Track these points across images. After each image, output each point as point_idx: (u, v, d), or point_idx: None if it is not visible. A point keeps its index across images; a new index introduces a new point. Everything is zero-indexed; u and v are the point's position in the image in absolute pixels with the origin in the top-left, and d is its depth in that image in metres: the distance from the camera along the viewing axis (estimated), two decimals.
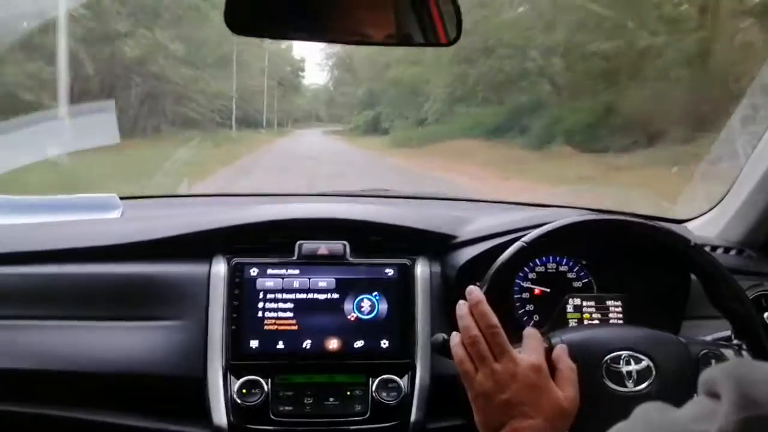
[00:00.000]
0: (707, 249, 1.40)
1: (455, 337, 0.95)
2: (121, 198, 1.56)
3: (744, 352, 1.04)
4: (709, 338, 1.12)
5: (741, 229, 1.45)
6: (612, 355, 1.01)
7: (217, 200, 1.78)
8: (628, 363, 1.01)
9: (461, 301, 0.97)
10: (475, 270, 1.19)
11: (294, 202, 1.62)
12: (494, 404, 0.88)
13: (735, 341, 1.07)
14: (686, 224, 1.62)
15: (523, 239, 1.11)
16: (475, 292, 0.97)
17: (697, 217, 1.61)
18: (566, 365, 0.94)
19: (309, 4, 0.92)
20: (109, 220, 1.47)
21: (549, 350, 0.98)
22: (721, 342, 1.07)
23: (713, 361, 1.02)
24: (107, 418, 1.21)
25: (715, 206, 1.55)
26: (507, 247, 1.11)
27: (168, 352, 1.20)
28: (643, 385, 0.99)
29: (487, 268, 1.09)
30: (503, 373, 0.89)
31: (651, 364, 1.01)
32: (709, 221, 1.56)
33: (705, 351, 1.03)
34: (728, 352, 1.03)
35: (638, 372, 1.00)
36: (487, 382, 0.89)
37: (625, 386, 0.99)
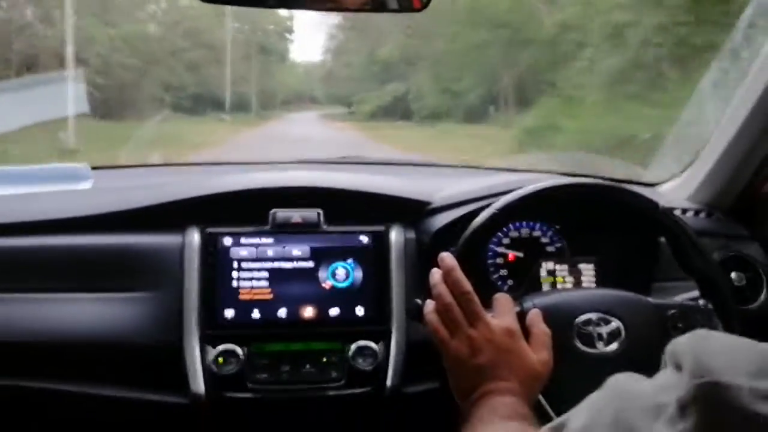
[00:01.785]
0: (677, 212, 1.43)
1: (429, 305, 0.95)
2: (93, 168, 1.53)
3: (711, 311, 1.07)
4: (678, 299, 1.15)
5: (710, 192, 1.47)
6: (583, 317, 1.03)
7: (190, 169, 1.76)
8: (598, 325, 1.03)
9: (434, 269, 0.98)
10: (449, 236, 1.19)
11: (268, 170, 1.61)
12: (469, 368, 0.89)
13: (702, 301, 1.09)
14: (657, 188, 1.64)
15: (495, 205, 1.12)
16: (447, 259, 0.97)
17: (668, 180, 1.63)
18: (540, 329, 0.96)
19: None
20: (80, 190, 1.45)
21: (521, 314, 1.00)
22: (688, 302, 1.10)
23: (681, 320, 1.05)
24: (85, 389, 1.21)
25: (685, 170, 1.57)
26: (479, 213, 1.12)
27: (144, 322, 1.20)
28: (613, 346, 1.01)
29: (461, 234, 1.10)
30: (477, 339, 0.90)
31: (620, 326, 1.03)
32: (680, 185, 1.57)
33: (673, 311, 1.05)
34: (695, 311, 1.06)
35: (608, 333, 1.02)
36: (462, 347, 0.90)
37: (596, 347, 1.01)
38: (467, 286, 0.93)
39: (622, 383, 0.48)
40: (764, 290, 1.36)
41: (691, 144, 1.57)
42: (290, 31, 22.64)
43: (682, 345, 0.43)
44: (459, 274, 0.95)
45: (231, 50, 18.68)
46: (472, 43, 12.76)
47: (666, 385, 0.41)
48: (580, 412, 0.51)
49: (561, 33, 10.69)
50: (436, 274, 0.96)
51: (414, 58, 16.51)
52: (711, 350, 0.39)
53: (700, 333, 0.44)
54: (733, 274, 1.37)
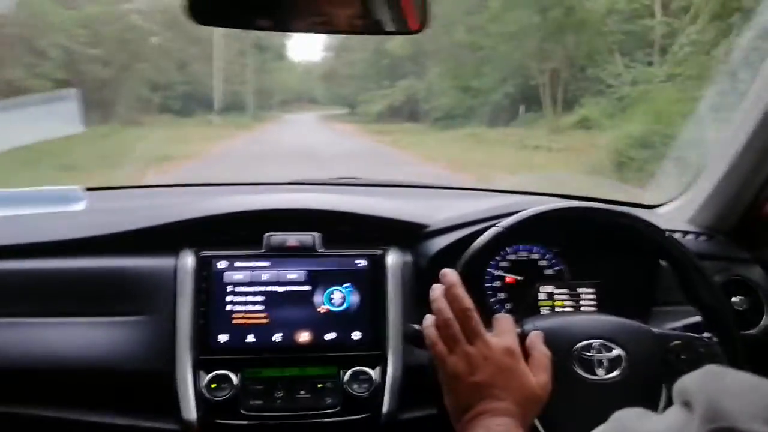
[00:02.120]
0: (678, 234, 1.42)
1: (428, 320, 0.94)
2: (88, 189, 1.52)
3: (714, 343, 1.05)
4: (679, 325, 1.13)
5: (711, 215, 1.46)
6: (583, 343, 1.02)
7: (184, 190, 1.74)
8: (599, 351, 1.01)
9: (435, 284, 0.96)
10: (446, 259, 1.17)
11: (264, 191, 1.60)
12: (465, 386, 0.87)
13: (705, 333, 1.07)
14: (656, 210, 1.63)
15: (501, 224, 1.11)
16: (449, 275, 0.96)
17: (667, 202, 1.62)
18: (540, 351, 0.94)
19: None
20: (74, 212, 1.43)
21: (521, 336, 0.98)
22: (691, 333, 1.08)
23: (683, 351, 1.03)
24: (75, 415, 1.18)
25: (685, 192, 1.56)
26: (477, 236, 1.11)
27: (136, 347, 1.18)
28: (614, 374, 0.99)
29: (460, 257, 1.09)
30: (476, 356, 0.88)
31: (622, 353, 1.01)
32: (680, 207, 1.56)
33: (676, 342, 1.04)
34: (698, 343, 1.04)
35: (609, 360, 1.00)
36: (460, 363, 0.88)
37: (596, 374, 0.99)
38: (468, 302, 0.92)
39: (628, 421, 0.46)
40: (766, 314, 1.34)
41: (690, 166, 1.56)
42: None
43: (693, 383, 0.41)
44: (460, 290, 0.93)
45: (222, 45, 17.33)
46: (506, 32, 11.13)
47: (676, 427, 0.39)
48: None
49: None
50: (437, 290, 0.95)
51: (430, 52, 15.03)
52: (724, 391, 0.37)
53: (712, 370, 0.42)
54: (734, 298, 1.35)
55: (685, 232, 1.44)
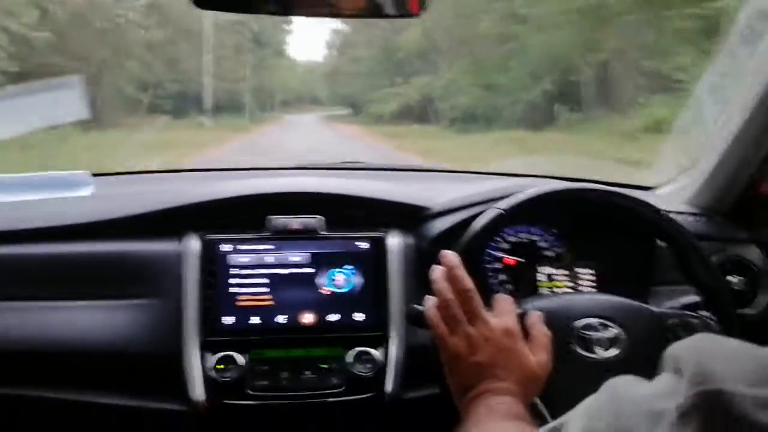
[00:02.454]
0: (676, 215, 1.43)
1: (429, 301, 0.95)
2: (93, 175, 1.54)
3: (711, 322, 1.07)
4: (677, 304, 1.15)
5: (709, 195, 1.47)
6: (583, 321, 1.03)
7: (189, 175, 1.76)
8: (597, 330, 1.03)
9: (435, 266, 0.98)
10: (447, 241, 1.19)
11: (267, 176, 1.61)
12: (466, 366, 0.89)
13: (703, 311, 1.09)
14: (655, 191, 1.65)
15: (500, 205, 1.12)
16: (449, 256, 0.97)
17: (666, 184, 1.63)
18: (540, 331, 0.96)
19: None
20: (80, 198, 1.45)
21: (521, 316, 1.00)
22: (689, 312, 1.09)
23: (682, 330, 1.05)
24: (85, 397, 1.21)
25: (683, 173, 1.57)
26: (477, 217, 1.12)
27: (143, 330, 1.20)
28: (612, 352, 1.01)
29: (459, 239, 1.10)
30: (476, 336, 0.90)
31: (621, 332, 1.03)
32: (678, 188, 1.58)
33: (674, 320, 1.05)
34: (696, 321, 1.06)
35: (608, 339, 1.02)
36: (460, 344, 0.90)
37: (595, 353, 1.01)
38: (469, 283, 0.93)
39: (621, 386, 0.48)
40: (761, 293, 1.36)
41: (688, 147, 1.57)
42: (288, 21, 19.03)
43: (683, 349, 0.43)
44: (461, 271, 0.94)
45: (215, 38, 15.61)
46: (546, 18, 9.35)
47: (666, 391, 0.41)
48: (577, 415, 0.51)
49: None
50: (437, 271, 0.96)
51: (449, 46, 13.62)
52: (712, 356, 0.39)
53: (702, 337, 0.44)
54: (732, 278, 1.37)
55: (683, 213, 1.46)
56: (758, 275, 1.38)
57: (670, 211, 1.40)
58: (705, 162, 1.46)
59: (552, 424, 0.54)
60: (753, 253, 1.41)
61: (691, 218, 1.46)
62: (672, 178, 1.63)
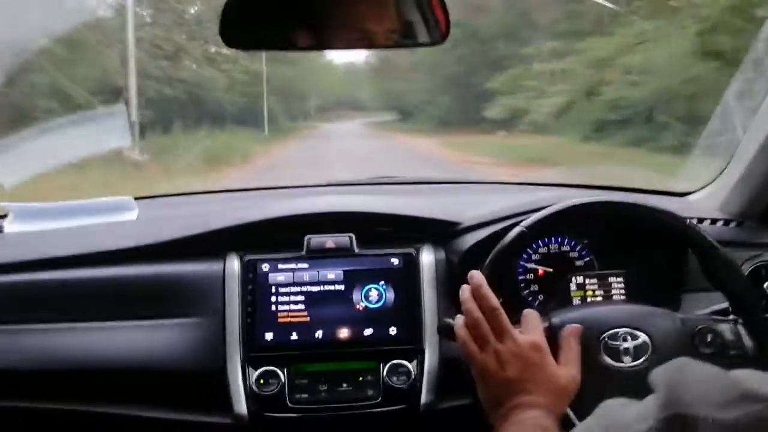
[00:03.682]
0: (707, 222, 1.44)
1: (459, 320, 0.99)
2: (135, 198, 1.62)
3: (740, 327, 1.08)
4: (707, 311, 1.16)
5: (740, 201, 1.47)
6: (610, 332, 1.05)
7: (226, 196, 1.83)
8: (625, 339, 1.04)
9: (464, 285, 1.01)
10: (478, 255, 1.22)
11: (302, 195, 1.67)
12: (497, 382, 0.92)
13: (731, 316, 1.10)
14: (688, 197, 1.65)
15: (523, 224, 1.15)
16: (476, 276, 1.01)
17: (699, 190, 1.64)
18: (569, 347, 0.99)
19: (306, 14, 0.94)
20: (127, 222, 1.53)
21: (549, 329, 1.03)
22: (718, 317, 1.10)
23: (709, 336, 1.06)
24: (134, 411, 1.27)
25: (715, 179, 1.57)
26: (508, 232, 1.15)
27: (188, 347, 1.26)
28: (640, 361, 1.03)
29: (489, 253, 1.14)
30: (505, 353, 0.93)
31: (648, 340, 1.04)
32: (710, 194, 1.58)
33: (701, 327, 1.06)
34: (724, 327, 1.07)
35: (635, 348, 1.04)
36: (490, 361, 0.93)
37: (623, 362, 1.03)
38: (495, 302, 0.97)
39: (610, 409, 0.51)
40: None
41: (720, 153, 1.57)
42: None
43: (659, 375, 0.46)
44: (487, 290, 0.98)
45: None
46: None
47: (643, 415, 0.44)
48: None
49: None
50: (465, 291, 1.00)
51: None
52: (683, 382, 0.41)
53: (677, 363, 0.46)
54: (765, 284, 1.37)
55: (715, 220, 1.46)
56: None
57: (702, 218, 1.42)
58: (735, 168, 1.46)
59: None
60: None
61: (722, 225, 1.46)
62: (704, 183, 1.63)
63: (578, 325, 1.02)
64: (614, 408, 0.51)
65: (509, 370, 0.92)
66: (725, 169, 1.53)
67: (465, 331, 0.97)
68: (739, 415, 0.37)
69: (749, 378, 0.41)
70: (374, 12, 1.00)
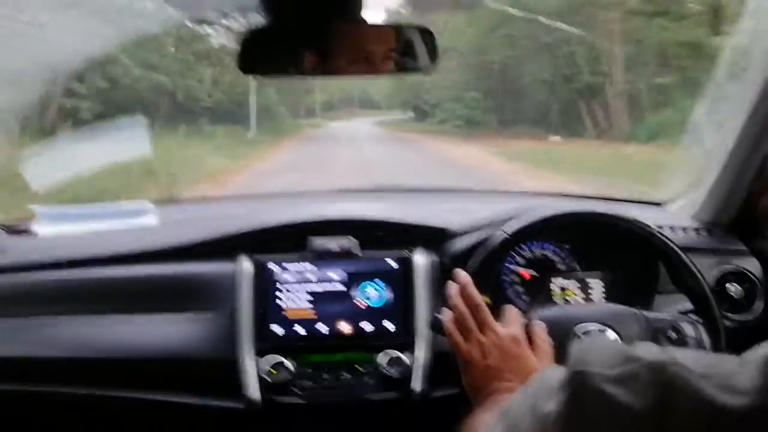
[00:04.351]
0: (679, 230, 1.57)
1: (446, 314, 1.12)
2: (153, 202, 1.75)
3: (700, 326, 1.21)
4: (674, 310, 1.28)
5: (711, 210, 1.59)
6: (582, 327, 1.18)
7: (239, 201, 1.96)
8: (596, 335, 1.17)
9: (450, 283, 1.14)
10: (466, 258, 1.34)
11: (309, 201, 1.80)
12: (479, 369, 1.04)
13: (693, 317, 1.23)
14: (665, 206, 1.78)
15: (506, 230, 1.29)
16: (461, 274, 1.14)
17: (675, 199, 1.76)
18: (542, 340, 1.11)
19: (314, 46, 1.08)
20: (147, 226, 1.66)
21: (527, 325, 1.16)
22: (680, 316, 1.23)
23: (671, 333, 1.19)
24: (154, 396, 1.40)
25: (689, 190, 1.70)
26: (491, 237, 1.29)
27: (204, 339, 1.39)
28: None
29: (472, 259, 1.27)
30: (487, 344, 1.05)
31: (617, 337, 1.17)
32: (686, 204, 1.70)
33: (665, 324, 1.19)
34: (685, 325, 1.20)
35: None
36: (474, 350, 1.05)
37: None
38: (479, 298, 1.10)
39: (547, 372, 0.64)
40: (758, 300, 1.48)
41: (694, 165, 1.70)
42: None
43: (574, 347, 0.58)
44: (472, 288, 1.11)
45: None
46: None
47: (560, 374, 0.56)
48: (517, 395, 0.65)
49: None
50: (452, 288, 1.13)
51: None
52: (587, 350, 0.54)
53: (588, 338, 0.59)
54: (731, 287, 1.49)
55: (686, 228, 1.59)
56: (756, 285, 1.50)
57: (674, 227, 1.55)
58: (706, 179, 1.59)
59: (505, 402, 0.68)
60: (752, 265, 1.52)
61: (694, 232, 1.59)
62: (680, 194, 1.75)
63: (542, 323, 1.14)
64: (545, 373, 0.64)
65: (490, 360, 1.04)
66: (698, 180, 1.65)
67: (452, 324, 1.09)
68: (620, 371, 0.50)
69: (640, 348, 0.53)
70: (375, 46, 1.13)
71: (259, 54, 1.09)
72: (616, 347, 0.54)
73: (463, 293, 1.10)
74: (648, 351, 0.52)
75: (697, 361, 0.50)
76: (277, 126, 14.20)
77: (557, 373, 0.57)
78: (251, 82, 12.67)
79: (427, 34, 1.12)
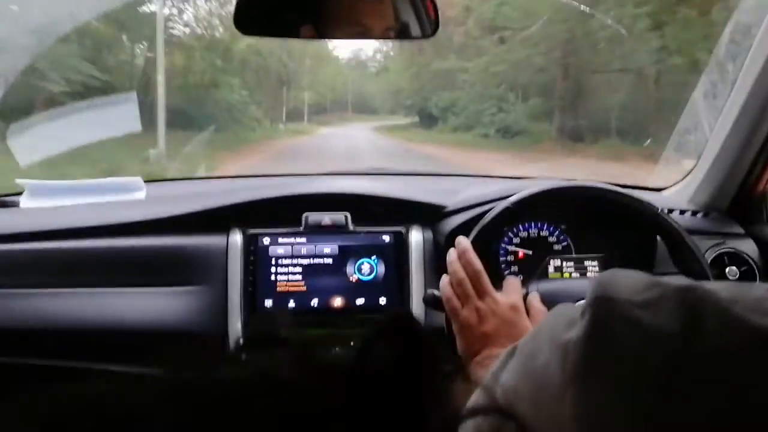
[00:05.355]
0: (677, 212, 1.56)
1: (445, 279, 1.10)
2: (145, 181, 1.72)
3: None
4: None
5: (708, 194, 1.59)
6: (580, 302, 1.16)
7: (230, 181, 1.93)
8: None
9: (451, 249, 1.13)
10: (461, 235, 1.34)
11: (304, 180, 1.78)
12: (475, 335, 1.03)
13: None
14: (662, 192, 1.77)
15: (509, 200, 1.27)
16: (463, 241, 1.13)
17: (672, 185, 1.75)
18: (537, 309, 1.10)
19: (313, 6, 1.06)
20: (136, 200, 1.63)
21: (526, 296, 1.14)
22: None
23: None
24: (139, 369, 1.37)
25: (686, 175, 1.69)
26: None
27: (193, 312, 1.37)
28: None
29: (472, 230, 1.25)
30: (485, 309, 1.04)
31: None
32: (682, 188, 1.69)
33: None
34: None
35: None
36: (471, 316, 1.04)
37: None
38: (479, 265, 1.08)
39: (557, 309, 0.62)
40: (757, 283, 1.47)
41: (690, 151, 1.69)
42: None
43: (593, 279, 0.57)
44: (472, 254, 1.10)
45: None
46: None
47: (581, 304, 0.54)
48: (528, 334, 0.63)
49: None
50: (452, 253, 1.12)
51: None
52: (611, 278, 0.52)
53: (608, 271, 0.57)
54: (728, 269, 1.48)
55: (683, 211, 1.58)
56: (753, 267, 1.49)
57: (672, 210, 1.53)
58: (703, 164, 1.58)
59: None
60: (749, 247, 1.52)
61: (691, 215, 1.58)
62: (677, 180, 1.74)
63: (536, 293, 1.13)
64: (558, 308, 0.61)
65: (487, 325, 1.03)
66: (694, 166, 1.65)
67: (449, 288, 1.08)
68: (646, 296, 0.48)
69: (663, 277, 0.52)
70: (372, 7, 1.12)
71: (254, 15, 1.07)
72: (639, 276, 0.52)
73: (463, 259, 1.09)
74: (672, 279, 0.50)
75: (724, 288, 0.48)
76: (242, 131, 10.86)
77: (573, 308, 0.55)
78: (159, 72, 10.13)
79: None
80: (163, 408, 0.32)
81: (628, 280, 0.51)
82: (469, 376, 0.99)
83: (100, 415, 0.32)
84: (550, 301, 1.13)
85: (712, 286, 0.48)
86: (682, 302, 0.46)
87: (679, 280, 0.49)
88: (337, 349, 1.34)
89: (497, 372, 0.58)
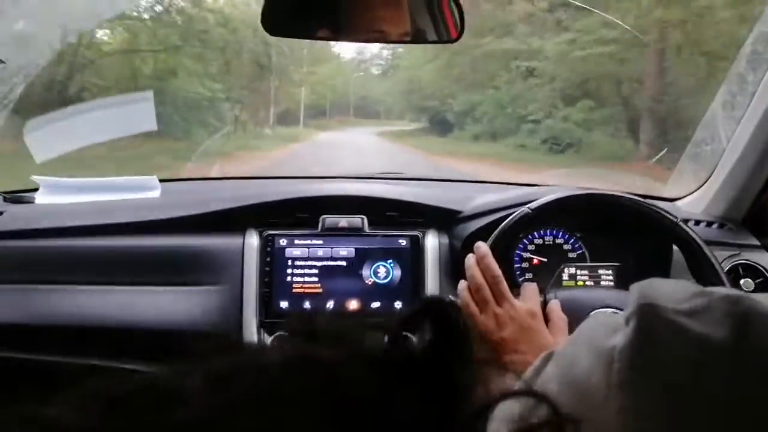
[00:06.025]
0: (692, 223, 1.56)
1: (463, 284, 1.10)
2: (160, 180, 1.73)
3: None
4: None
5: (723, 205, 1.59)
6: (598, 310, 1.16)
7: (247, 182, 1.94)
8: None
9: (470, 255, 1.13)
10: (478, 240, 1.34)
11: (318, 183, 1.78)
12: (493, 341, 1.02)
13: None
14: (676, 202, 1.76)
15: (529, 206, 1.27)
16: (482, 247, 1.13)
17: (687, 195, 1.75)
18: (558, 316, 1.10)
19: (337, 8, 1.07)
20: (151, 199, 1.64)
21: (544, 303, 1.14)
22: None
23: None
24: (153, 368, 1.37)
25: (701, 186, 1.69)
26: (505, 220, 1.27)
27: (208, 312, 1.37)
28: None
29: (491, 235, 1.25)
30: (503, 316, 1.04)
31: None
32: (697, 199, 1.69)
33: None
34: None
35: None
36: (489, 322, 1.04)
37: None
38: (497, 270, 1.08)
39: (595, 316, 0.62)
40: None
41: (706, 161, 1.69)
42: None
43: (634, 285, 0.57)
44: (491, 260, 1.10)
45: None
46: None
47: (624, 313, 0.54)
48: (564, 342, 0.63)
49: None
50: (471, 258, 1.12)
51: None
52: (652, 287, 0.52)
53: (648, 279, 0.57)
54: (742, 281, 1.48)
55: (699, 221, 1.57)
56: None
57: (687, 220, 1.53)
58: (719, 175, 1.58)
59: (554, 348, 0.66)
60: (764, 259, 1.51)
61: (705, 226, 1.58)
62: (692, 190, 1.74)
63: (557, 300, 1.13)
64: (596, 316, 0.61)
65: (505, 332, 1.03)
66: (710, 176, 1.65)
67: (468, 294, 1.08)
68: (692, 304, 0.48)
69: (702, 286, 0.52)
70: (390, 11, 1.12)
71: (280, 16, 1.08)
72: (681, 284, 0.52)
73: (482, 264, 1.09)
74: (716, 288, 0.50)
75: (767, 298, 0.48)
76: (198, 138, 8.79)
77: (612, 316, 0.55)
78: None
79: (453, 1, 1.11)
80: (202, 395, 0.32)
81: (672, 289, 0.51)
82: (504, 363, 0.99)
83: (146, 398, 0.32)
84: (569, 308, 1.13)
85: (756, 296, 0.48)
86: (729, 311, 0.46)
87: (722, 290, 0.49)
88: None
89: (531, 378, 0.58)
